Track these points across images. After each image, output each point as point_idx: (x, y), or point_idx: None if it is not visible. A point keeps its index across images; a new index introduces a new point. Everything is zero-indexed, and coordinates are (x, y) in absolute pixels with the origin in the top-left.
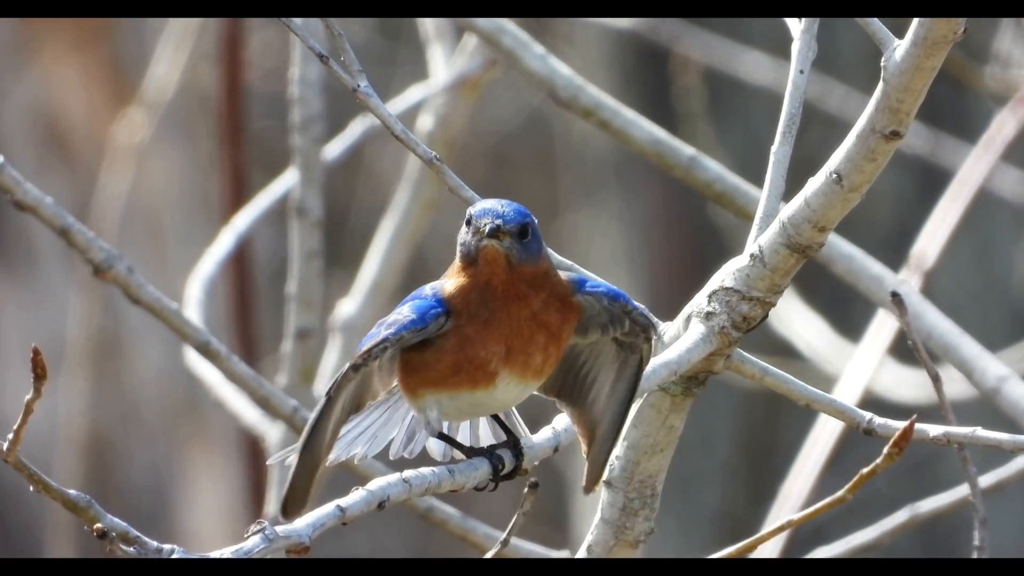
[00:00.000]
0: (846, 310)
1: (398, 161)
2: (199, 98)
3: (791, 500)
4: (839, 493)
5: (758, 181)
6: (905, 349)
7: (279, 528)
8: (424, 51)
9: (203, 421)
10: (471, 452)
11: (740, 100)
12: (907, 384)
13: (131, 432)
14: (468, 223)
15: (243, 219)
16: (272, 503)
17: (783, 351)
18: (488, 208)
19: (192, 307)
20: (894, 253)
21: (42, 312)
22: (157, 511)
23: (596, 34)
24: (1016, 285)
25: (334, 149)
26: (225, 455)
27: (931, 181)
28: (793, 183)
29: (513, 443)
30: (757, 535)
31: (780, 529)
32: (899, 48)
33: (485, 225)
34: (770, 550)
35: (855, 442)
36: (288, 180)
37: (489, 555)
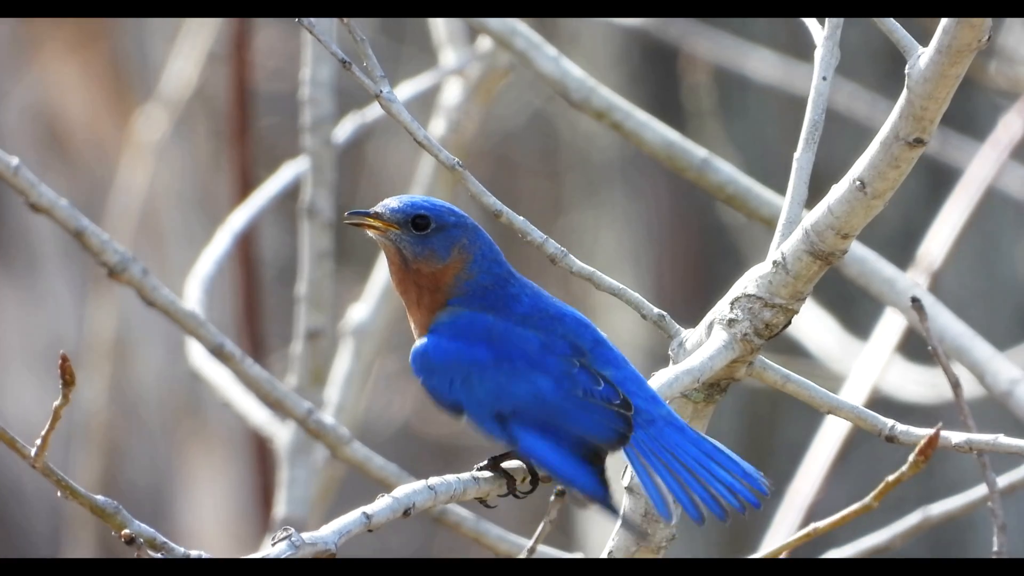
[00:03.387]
0: (852, 308)
1: (401, 159)
2: (200, 97)
3: (799, 500)
4: (866, 500)
5: (764, 179)
6: (911, 347)
7: (305, 535)
8: (428, 52)
9: (204, 422)
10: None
11: (745, 98)
12: (914, 383)
13: (131, 432)
14: None
15: (239, 218)
16: (281, 504)
17: (790, 350)
18: (385, 201)
19: (193, 307)
20: (899, 251)
21: (42, 313)
22: (157, 511)
23: (602, 34)
24: (1020, 284)
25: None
26: (225, 456)
27: (936, 179)
28: (788, 180)
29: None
30: (784, 542)
31: (807, 536)
32: (923, 56)
33: (367, 210)
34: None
35: (860, 441)
36: (283, 178)
37: (521, 556)
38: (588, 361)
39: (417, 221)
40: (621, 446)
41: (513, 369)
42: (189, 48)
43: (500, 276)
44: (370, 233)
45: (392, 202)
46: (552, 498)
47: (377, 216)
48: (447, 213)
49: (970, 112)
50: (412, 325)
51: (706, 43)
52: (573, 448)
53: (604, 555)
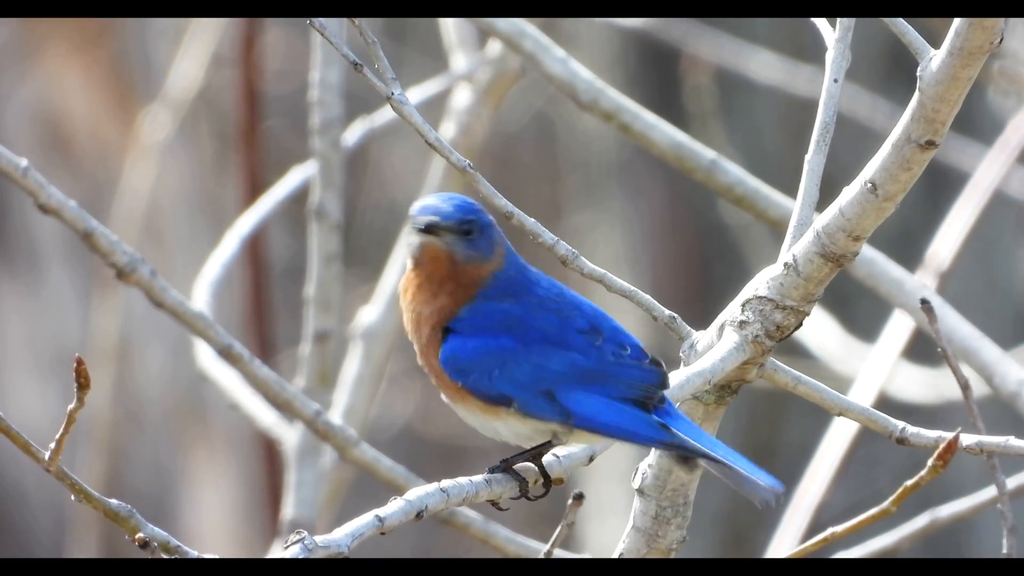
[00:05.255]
0: (852, 309)
1: (406, 160)
2: (204, 99)
3: (807, 501)
4: (884, 505)
5: (764, 181)
6: (913, 349)
7: (318, 538)
8: (432, 55)
9: (207, 423)
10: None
11: (743, 99)
12: (917, 383)
13: (135, 434)
14: (411, 224)
15: (247, 221)
16: (289, 506)
17: (792, 351)
18: (428, 205)
19: (201, 309)
20: (899, 253)
21: (46, 315)
22: (161, 513)
23: (599, 36)
24: (1020, 287)
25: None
26: (229, 457)
27: (936, 180)
28: (791, 178)
29: (534, 455)
30: (802, 547)
31: (824, 541)
32: (935, 58)
33: (422, 222)
34: (786, 552)
35: (861, 442)
36: (292, 181)
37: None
38: (609, 337)
39: (465, 226)
40: (663, 390)
41: (542, 349)
42: (193, 49)
43: (520, 265)
44: (431, 240)
45: (444, 207)
46: (570, 502)
47: (436, 226)
48: (482, 213)
49: (969, 113)
50: (414, 314)
51: (707, 45)
52: (624, 399)
53: (615, 556)
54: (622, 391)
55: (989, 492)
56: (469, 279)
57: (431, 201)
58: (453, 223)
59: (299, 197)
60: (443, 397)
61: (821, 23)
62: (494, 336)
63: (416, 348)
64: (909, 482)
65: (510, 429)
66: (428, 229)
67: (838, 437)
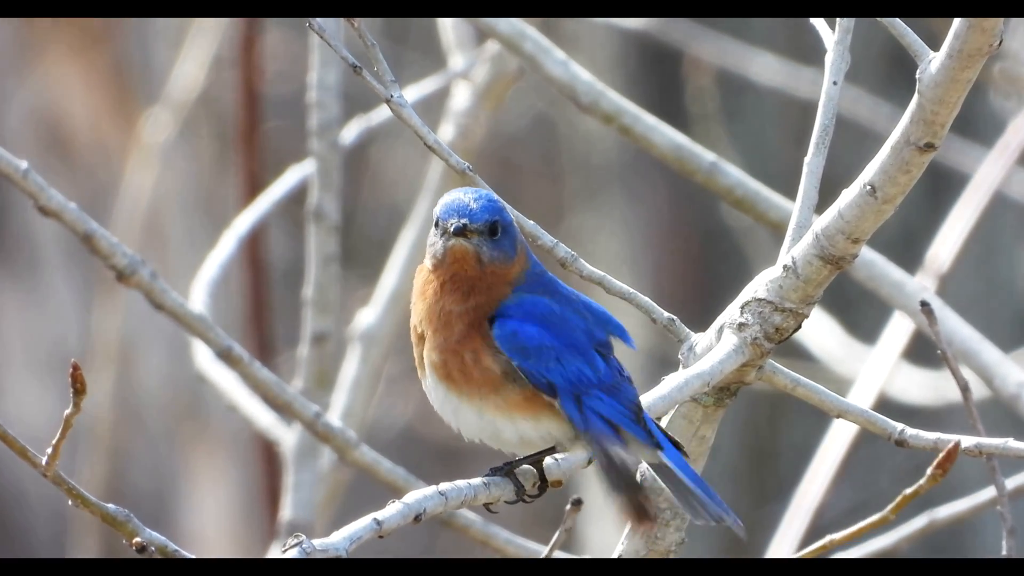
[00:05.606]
0: (852, 310)
1: (405, 161)
2: (204, 100)
3: (807, 503)
4: (883, 512)
5: (764, 182)
6: (913, 350)
7: (316, 541)
8: (432, 56)
9: (206, 425)
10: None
11: (745, 101)
12: (917, 385)
13: (135, 435)
14: (436, 224)
15: (245, 221)
16: (287, 508)
17: (792, 352)
18: (455, 207)
19: (200, 311)
20: (899, 254)
21: (45, 317)
22: (160, 514)
23: (600, 37)
24: (1020, 287)
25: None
26: (228, 459)
27: (936, 181)
28: (793, 181)
29: (536, 459)
30: (801, 554)
31: (823, 548)
32: (934, 60)
33: (451, 225)
34: (786, 553)
35: (861, 443)
36: (289, 181)
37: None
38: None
39: (493, 227)
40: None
41: (580, 352)
42: (194, 51)
43: (538, 262)
44: (461, 242)
45: (473, 207)
46: (568, 507)
47: (466, 228)
48: (505, 211)
49: (969, 115)
50: (441, 312)
51: (708, 47)
52: (630, 414)
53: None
54: (625, 407)
55: (988, 493)
56: (498, 278)
57: (458, 199)
58: (481, 224)
59: (298, 199)
60: (444, 393)
61: (820, 25)
62: (544, 328)
63: (433, 345)
64: (908, 490)
65: (524, 434)
66: (460, 232)
67: (838, 439)
